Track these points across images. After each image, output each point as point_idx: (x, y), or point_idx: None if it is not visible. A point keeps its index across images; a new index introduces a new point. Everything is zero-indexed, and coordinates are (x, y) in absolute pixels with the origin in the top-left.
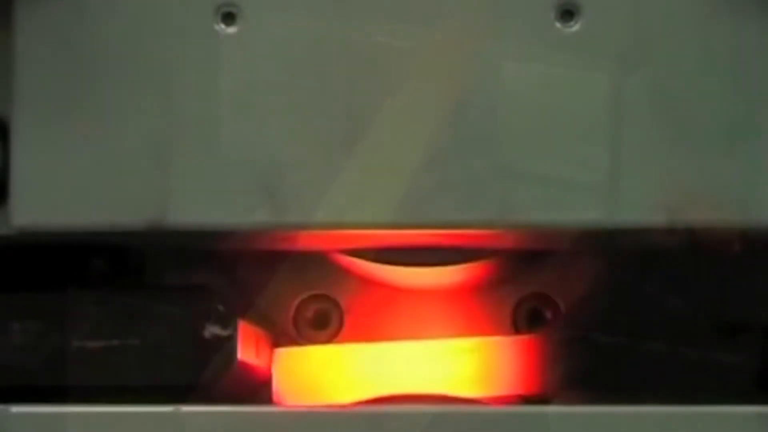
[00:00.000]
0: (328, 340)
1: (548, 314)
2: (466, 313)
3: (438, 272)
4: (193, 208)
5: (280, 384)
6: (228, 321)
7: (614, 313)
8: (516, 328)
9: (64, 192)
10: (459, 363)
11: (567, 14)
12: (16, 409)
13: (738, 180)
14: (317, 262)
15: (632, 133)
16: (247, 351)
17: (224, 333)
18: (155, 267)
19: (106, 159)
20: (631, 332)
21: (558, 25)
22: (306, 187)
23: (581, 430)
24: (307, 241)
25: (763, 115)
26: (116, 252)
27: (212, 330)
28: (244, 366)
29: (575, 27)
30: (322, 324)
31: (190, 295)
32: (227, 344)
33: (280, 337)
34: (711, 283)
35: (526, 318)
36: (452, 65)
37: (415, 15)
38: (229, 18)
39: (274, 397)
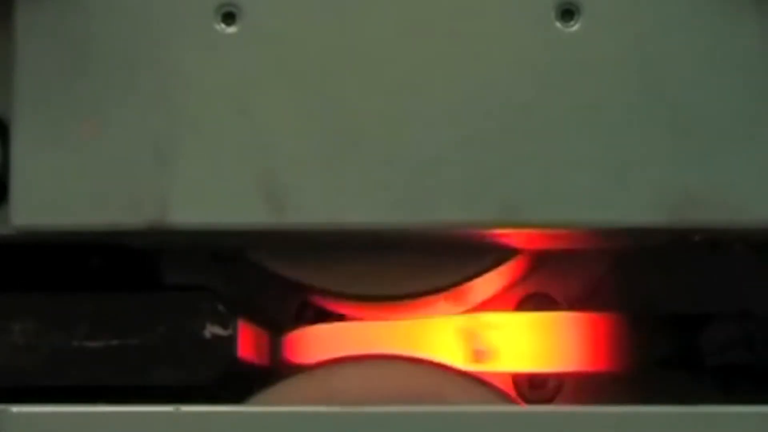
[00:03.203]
0: None
1: None
2: None
3: None
4: (193, 208)
5: None
6: (228, 321)
7: None
8: None
9: (64, 192)
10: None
11: (567, 14)
12: (16, 409)
13: (738, 180)
14: None
15: (632, 133)
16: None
17: (224, 333)
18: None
19: (107, 159)
20: None
21: (558, 25)
22: (306, 187)
23: (581, 430)
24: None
25: (763, 115)
26: (116, 252)
27: (212, 330)
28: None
29: (575, 27)
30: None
31: (190, 295)
32: (227, 344)
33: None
34: None
35: None
36: (453, 65)
37: (415, 14)
38: (229, 18)
39: None
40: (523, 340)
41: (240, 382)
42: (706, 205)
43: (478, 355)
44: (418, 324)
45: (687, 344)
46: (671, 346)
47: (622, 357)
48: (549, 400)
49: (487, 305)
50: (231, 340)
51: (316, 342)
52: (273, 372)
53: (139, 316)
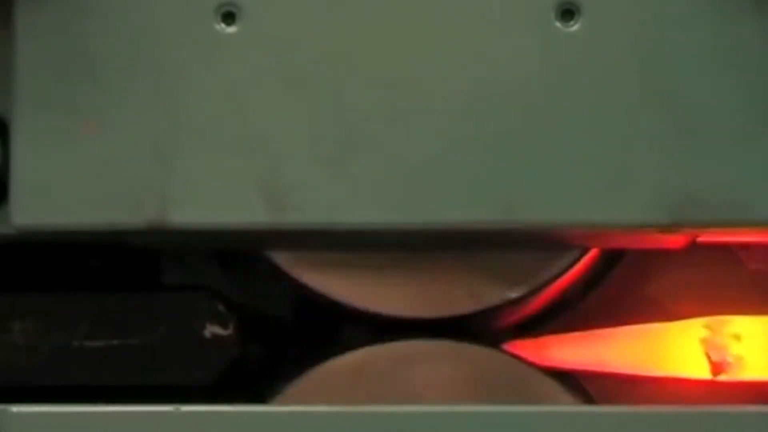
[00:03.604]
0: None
1: None
2: None
3: None
4: (193, 208)
5: None
6: (228, 321)
7: None
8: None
9: (64, 192)
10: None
11: (567, 14)
12: (16, 409)
13: (738, 180)
14: None
15: (632, 133)
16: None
17: (224, 333)
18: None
19: (107, 159)
20: None
21: (558, 25)
22: (306, 187)
23: (583, 430)
24: None
25: (763, 115)
26: (116, 252)
27: (212, 330)
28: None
29: (575, 27)
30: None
31: (190, 295)
32: (227, 344)
33: None
34: None
35: None
36: (453, 65)
37: (414, 15)
38: (229, 18)
39: None
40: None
41: (240, 382)
42: (707, 205)
43: (722, 366)
44: (659, 332)
45: None
46: None
47: None
48: None
49: None
50: (231, 340)
51: (554, 352)
52: (273, 371)
53: (139, 316)
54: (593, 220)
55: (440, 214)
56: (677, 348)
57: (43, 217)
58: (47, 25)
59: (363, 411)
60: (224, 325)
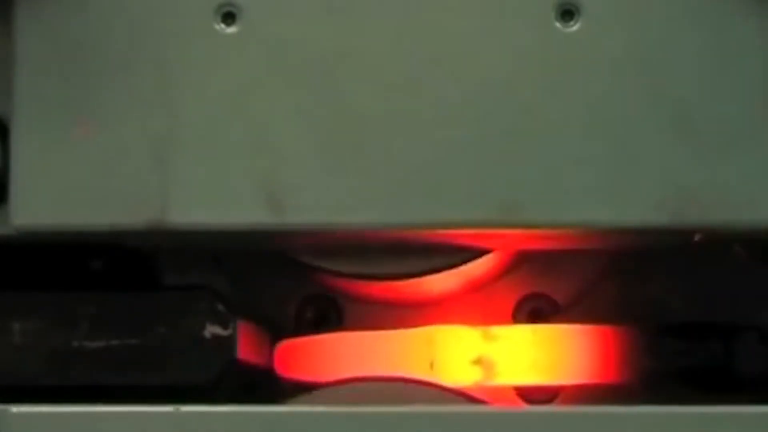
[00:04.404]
0: None
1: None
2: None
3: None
4: (193, 208)
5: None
6: (228, 321)
7: None
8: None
9: (64, 192)
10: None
11: (567, 14)
12: (16, 409)
13: (738, 180)
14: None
15: (632, 133)
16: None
17: (224, 333)
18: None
19: (106, 159)
20: None
21: (558, 25)
22: (306, 188)
23: (581, 430)
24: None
25: (763, 115)
26: (116, 252)
27: (212, 330)
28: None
29: (575, 27)
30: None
31: (190, 295)
32: (227, 344)
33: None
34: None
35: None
36: (453, 65)
37: (414, 15)
38: (229, 18)
39: None
40: (525, 353)
41: (239, 382)
42: (706, 205)
43: (479, 367)
44: (416, 335)
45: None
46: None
47: (625, 369)
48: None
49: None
50: (231, 340)
51: (310, 354)
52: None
53: (139, 316)
54: (593, 220)
55: (440, 214)
56: (434, 351)
57: (43, 218)
58: (47, 25)
59: (363, 411)
60: (224, 325)
